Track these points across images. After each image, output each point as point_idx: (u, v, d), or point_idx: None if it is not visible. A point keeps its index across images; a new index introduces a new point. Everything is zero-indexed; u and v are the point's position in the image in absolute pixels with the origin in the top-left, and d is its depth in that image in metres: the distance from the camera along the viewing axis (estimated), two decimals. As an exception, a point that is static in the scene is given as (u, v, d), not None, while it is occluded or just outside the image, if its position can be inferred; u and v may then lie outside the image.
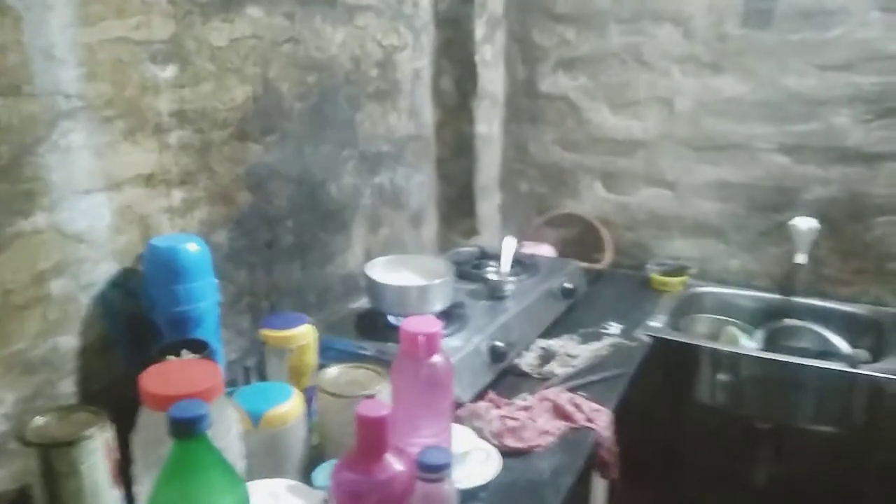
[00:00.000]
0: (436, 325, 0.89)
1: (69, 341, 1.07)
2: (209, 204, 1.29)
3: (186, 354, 1.04)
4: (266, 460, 0.95)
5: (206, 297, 1.13)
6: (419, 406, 0.90)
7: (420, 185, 1.98)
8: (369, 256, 1.67)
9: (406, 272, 1.50)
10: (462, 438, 1.08)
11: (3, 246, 0.96)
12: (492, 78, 2.10)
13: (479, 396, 1.27)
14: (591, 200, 2.16)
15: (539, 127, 2.18)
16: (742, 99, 1.92)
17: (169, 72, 1.18)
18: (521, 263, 1.77)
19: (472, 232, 2.11)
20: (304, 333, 1.13)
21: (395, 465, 0.74)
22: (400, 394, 0.91)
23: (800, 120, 1.87)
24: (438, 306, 1.40)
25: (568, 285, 1.70)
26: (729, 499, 1.78)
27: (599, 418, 1.24)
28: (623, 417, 1.34)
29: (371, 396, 1.00)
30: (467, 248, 1.95)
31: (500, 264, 1.71)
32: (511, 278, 1.64)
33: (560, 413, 1.24)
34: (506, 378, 1.41)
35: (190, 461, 0.64)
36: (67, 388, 1.07)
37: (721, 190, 2.00)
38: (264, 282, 1.44)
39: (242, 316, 1.37)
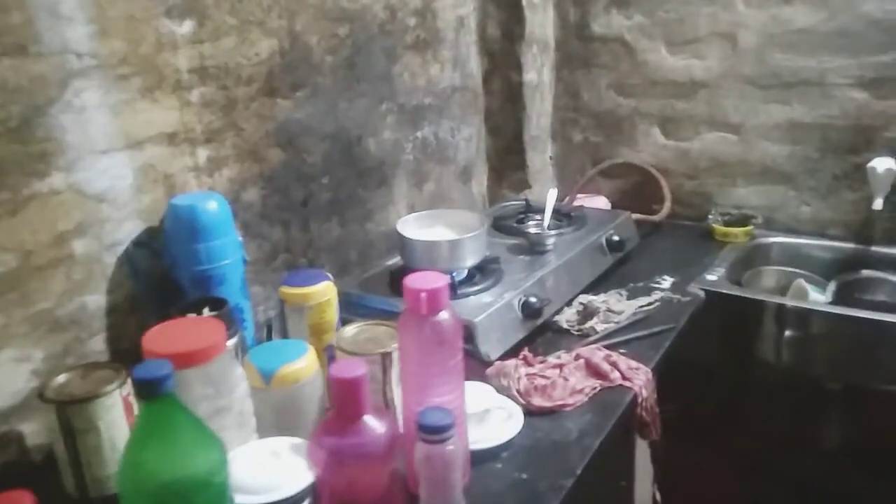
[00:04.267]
0: (441, 281, 0.85)
1: (97, 300, 1.09)
2: (238, 162, 1.29)
3: (208, 312, 1.05)
4: (279, 418, 0.95)
5: (228, 255, 1.13)
6: (427, 365, 0.86)
7: (468, 138, 1.92)
8: (414, 212, 1.64)
9: (440, 227, 1.46)
10: (483, 397, 1.04)
11: (18, 207, 0.97)
12: (541, 22, 2.00)
13: (513, 353, 1.23)
14: (649, 148, 2.04)
15: (592, 72, 2.06)
16: (814, 29, 1.75)
17: (186, 27, 1.17)
18: (568, 216, 1.70)
19: (523, 185, 2.04)
20: (324, 290, 1.11)
21: (376, 426, 0.71)
22: (407, 352, 0.88)
23: (880, 50, 1.69)
24: (470, 261, 1.36)
25: (616, 238, 1.62)
26: (798, 460, 1.68)
27: (637, 377, 1.17)
28: (682, 375, 1.27)
29: (387, 354, 0.98)
30: (513, 202, 1.88)
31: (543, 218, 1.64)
32: (552, 232, 1.57)
33: (594, 371, 1.18)
34: (544, 335, 1.36)
35: (158, 422, 0.63)
36: (97, 346, 1.10)
37: (791, 131, 1.84)
38: (301, 239, 1.43)
39: (279, 273, 1.37)
